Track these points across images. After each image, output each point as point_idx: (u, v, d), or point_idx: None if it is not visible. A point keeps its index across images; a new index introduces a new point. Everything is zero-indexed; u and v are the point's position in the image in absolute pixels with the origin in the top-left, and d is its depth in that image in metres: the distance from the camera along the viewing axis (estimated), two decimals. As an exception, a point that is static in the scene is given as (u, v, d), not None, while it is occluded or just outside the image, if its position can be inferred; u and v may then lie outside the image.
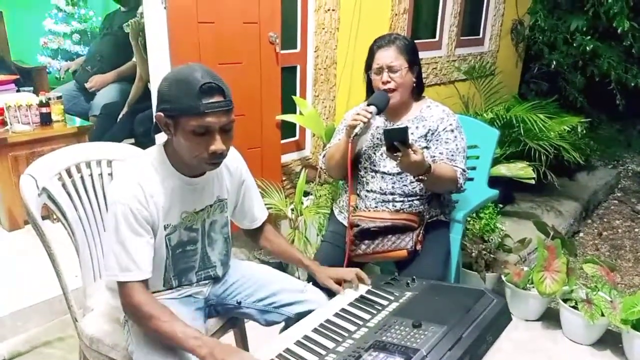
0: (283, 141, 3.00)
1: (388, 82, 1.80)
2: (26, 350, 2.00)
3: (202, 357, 1.16)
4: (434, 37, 4.14)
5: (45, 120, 2.86)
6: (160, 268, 1.39)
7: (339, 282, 1.54)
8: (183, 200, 1.35)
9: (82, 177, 1.57)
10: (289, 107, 2.98)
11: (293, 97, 3.02)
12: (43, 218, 1.44)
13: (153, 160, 1.32)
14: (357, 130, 1.70)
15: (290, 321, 1.47)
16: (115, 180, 1.32)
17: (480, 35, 4.68)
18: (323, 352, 1.19)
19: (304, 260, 1.63)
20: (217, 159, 1.27)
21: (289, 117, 2.87)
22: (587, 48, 4.51)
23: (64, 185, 1.52)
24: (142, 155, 1.36)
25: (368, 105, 1.76)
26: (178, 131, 1.23)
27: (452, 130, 1.84)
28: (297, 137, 3.29)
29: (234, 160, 1.49)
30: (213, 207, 1.43)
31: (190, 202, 1.37)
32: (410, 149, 1.58)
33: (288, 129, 3.14)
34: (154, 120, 1.28)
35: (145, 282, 1.27)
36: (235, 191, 1.52)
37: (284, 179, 3.07)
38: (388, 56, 1.80)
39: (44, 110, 2.85)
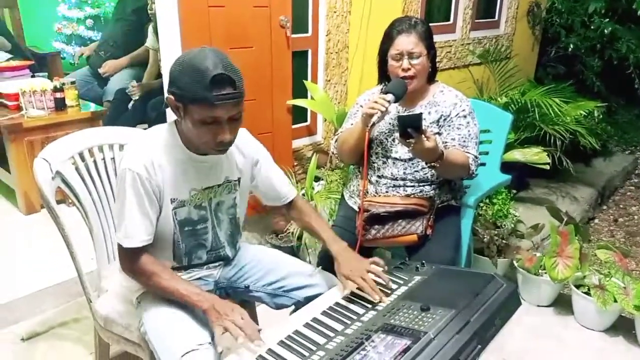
0: (294, 126, 3.00)
1: (409, 68, 1.77)
2: (43, 330, 2.04)
3: (205, 310, 1.24)
4: (448, 19, 4.07)
5: (60, 105, 2.89)
6: (169, 242, 1.41)
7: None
8: (191, 177, 1.37)
9: (95, 161, 1.59)
10: (300, 91, 2.97)
11: (304, 81, 3.01)
12: (58, 202, 1.47)
13: (164, 135, 1.35)
14: (374, 119, 1.68)
15: (299, 305, 1.48)
16: (126, 150, 1.35)
17: (496, 18, 4.59)
18: (332, 334, 1.20)
19: (329, 243, 1.52)
20: (223, 146, 1.29)
21: (300, 102, 2.86)
22: (606, 31, 4.40)
23: (77, 169, 1.54)
24: (154, 130, 1.38)
25: (385, 93, 1.73)
26: (187, 116, 1.24)
27: (465, 116, 1.82)
28: (308, 122, 3.29)
29: (246, 141, 1.49)
30: (221, 187, 1.44)
31: (198, 179, 1.38)
32: (423, 135, 1.57)
33: (299, 114, 3.13)
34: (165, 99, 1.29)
35: (146, 247, 1.33)
36: (249, 172, 1.51)
37: (295, 164, 3.08)
38: (409, 42, 1.76)
39: (58, 95, 2.88)
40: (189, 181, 1.37)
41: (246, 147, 1.49)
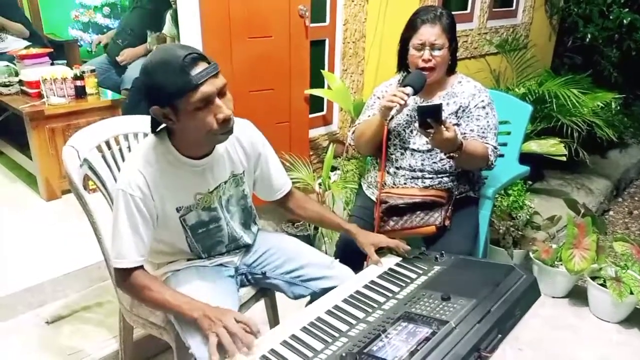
0: (311, 116, 3.01)
1: (429, 60, 1.77)
2: (67, 314, 2.09)
3: (196, 319, 1.21)
4: (466, 8, 4.04)
5: (80, 93, 2.92)
6: (183, 246, 1.44)
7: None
8: (192, 183, 1.36)
9: (120, 149, 1.62)
10: (317, 81, 2.98)
11: (322, 71, 3.01)
12: (81, 189, 1.50)
13: (156, 146, 1.32)
14: (393, 112, 1.67)
15: (316, 296, 1.48)
16: (122, 168, 1.35)
17: (514, 7, 4.54)
18: (354, 322, 1.22)
19: (342, 223, 1.64)
20: (227, 125, 1.24)
21: (317, 92, 2.87)
22: (624, 21, 4.34)
23: (103, 157, 1.57)
24: (146, 142, 1.35)
25: (404, 86, 1.73)
26: (180, 115, 1.20)
27: (484, 107, 1.82)
28: (324, 112, 3.30)
29: (245, 132, 1.46)
30: (227, 182, 1.44)
31: (201, 184, 1.38)
32: (443, 126, 1.57)
33: (316, 103, 3.14)
34: (151, 116, 1.26)
35: (138, 267, 1.32)
36: (253, 165, 1.51)
37: (311, 153, 3.09)
38: (433, 33, 1.75)
39: (78, 83, 2.91)
40: (191, 187, 1.36)
41: (248, 141, 1.46)
